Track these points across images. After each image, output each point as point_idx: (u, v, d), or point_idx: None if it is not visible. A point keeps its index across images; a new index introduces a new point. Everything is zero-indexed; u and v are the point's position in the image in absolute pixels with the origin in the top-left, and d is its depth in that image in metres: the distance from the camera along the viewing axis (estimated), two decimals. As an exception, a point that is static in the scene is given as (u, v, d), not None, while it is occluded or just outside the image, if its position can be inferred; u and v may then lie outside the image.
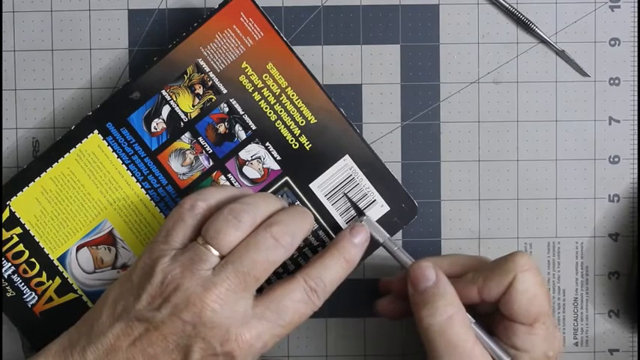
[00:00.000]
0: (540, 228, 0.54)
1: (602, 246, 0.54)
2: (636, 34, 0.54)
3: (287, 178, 0.50)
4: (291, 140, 0.51)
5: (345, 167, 0.50)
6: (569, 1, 0.54)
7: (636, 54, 0.54)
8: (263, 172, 0.51)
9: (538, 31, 0.53)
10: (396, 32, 0.54)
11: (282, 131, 0.50)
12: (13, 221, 0.51)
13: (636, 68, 0.54)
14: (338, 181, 0.51)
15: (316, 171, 0.51)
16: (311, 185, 0.51)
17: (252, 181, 0.51)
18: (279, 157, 0.51)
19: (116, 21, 0.54)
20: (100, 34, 0.54)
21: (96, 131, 0.50)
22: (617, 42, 0.54)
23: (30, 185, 0.50)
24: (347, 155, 0.50)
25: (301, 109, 0.50)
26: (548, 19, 0.54)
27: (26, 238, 0.51)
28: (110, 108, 0.50)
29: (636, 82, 0.54)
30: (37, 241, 0.51)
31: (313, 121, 0.51)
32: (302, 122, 0.51)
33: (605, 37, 0.54)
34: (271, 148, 0.51)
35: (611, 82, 0.54)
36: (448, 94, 0.54)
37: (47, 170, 0.50)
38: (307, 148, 0.51)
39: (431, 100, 0.54)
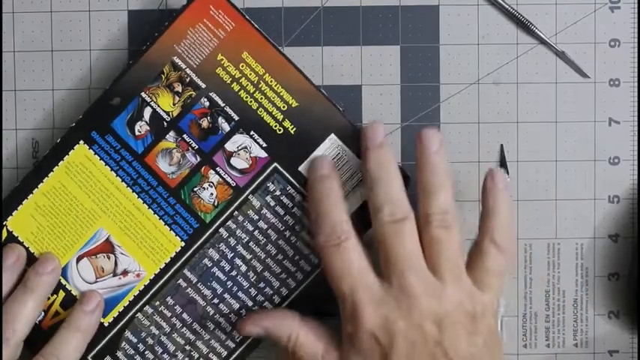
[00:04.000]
0: (540, 229, 0.54)
1: (602, 247, 0.54)
2: (636, 35, 0.54)
3: (275, 164, 0.50)
4: (275, 126, 0.51)
5: (332, 146, 0.51)
6: (569, 2, 0.54)
7: (636, 55, 0.54)
8: (251, 162, 0.51)
9: (538, 32, 0.53)
10: (395, 33, 0.54)
11: (265, 118, 0.50)
12: (12, 241, 0.51)
13: (636, 69, 0.54)
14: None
15: (304, 153, 0.51)
16: (300, 168, 0.51)
17: (241, 171, 0.51)
18: (265, 145, 0.51)
19: (116, 21, 0.54)
20: (99, 35, 0.54)
21: (81, 141, 0.51)
22: (617, 43, 0.54)
23: (23, 203, 0.51)
24: (332, 134, 0.50)
25: (281, 93, 0.50)
26: (548, 20, 0.54)
27: (26, 255, 0.51)
28: (92, 117, 0.51)
29: (636, 83, 0.54)
30: (37, 257, 0.51)
31: (295, 104, 0.51)
32: (284, 107, 0.51)
33: (605, 38, 0.54)
34: (256, 137, 0.51)
35: (611, 83, 0.54)
36: (448, 95, 0.54)
37: (39, 186, 0.51)
38: (292, 131, 0.51)
39: (431, 101, 0.54)
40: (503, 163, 0.54)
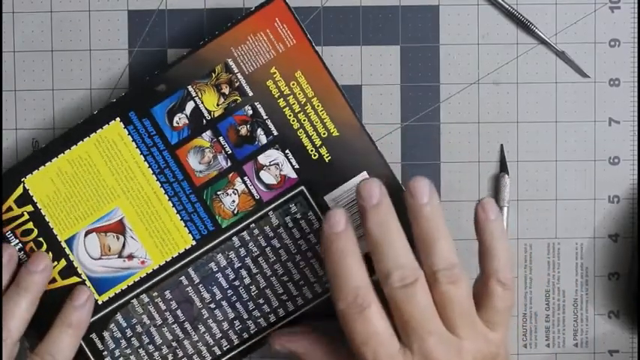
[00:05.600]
0: (540, 229, 0.54)
1: (602, 247, 0.54)
2: (636, 35, 0.54)
3: (302, 187, 0.50)
4: (312, 150, 0.50)
5: None
6: (569, 2, 0.54)
7: (636, 55, 0.54)
8: (279, 179, 0.51)
9: (538, 31, 0.53)
10: (395, 33, 0.54)
11: (303, 140, 0.50)
12: (26, 198, 0.50)
13: (636, 69, 0.54)
14: (353, 196, 0.50)
15: (333, 184, 0.50)
16: (326, 197, 0.50)
17: (268, 186, 0.51)
18: (297, 166, 0.50)
19: (116, 21, 0.54)
20: (99, 35, 0.54)
21: (118, 119, 0.50)
22: (617, 43, 0.54)
23: (46, 165, 0.50)
24: (365, 172, 0.50)
25: (325, 120, 0.50)
26: (548, 20, 0.54)
27: (37, 216, 0.51)
28: (135, 97, 0.50)
29: (636, 83, 0.54)
30: (48, 221, 0.51)
31: (335, 133, 0.50)
32: (324, 134, 0.50)
33: (605, 37, 0.54)
34: (290, 156, 0.50)
35: (611, 83, 0.54)
36: (448, 94, 0.54)
37: (65, 152, 0.50)
38: (326, 159, 0.50)
39: (431, 101, 0.54)
40: (503, 163, 0.54)
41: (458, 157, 0.54)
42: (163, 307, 0.51)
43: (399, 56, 0.54)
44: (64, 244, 0.51)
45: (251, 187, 0.51)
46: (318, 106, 0.50)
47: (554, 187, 0.54)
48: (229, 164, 0.50)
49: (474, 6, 0.54)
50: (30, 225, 0.51)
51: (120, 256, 0.51)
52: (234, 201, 0.51)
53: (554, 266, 0.54)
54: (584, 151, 0.54)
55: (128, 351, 0.51)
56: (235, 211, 0.51)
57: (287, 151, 0.50)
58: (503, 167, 0.54)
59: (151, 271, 0.51)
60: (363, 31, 0.54)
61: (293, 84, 0.50)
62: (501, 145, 0.54)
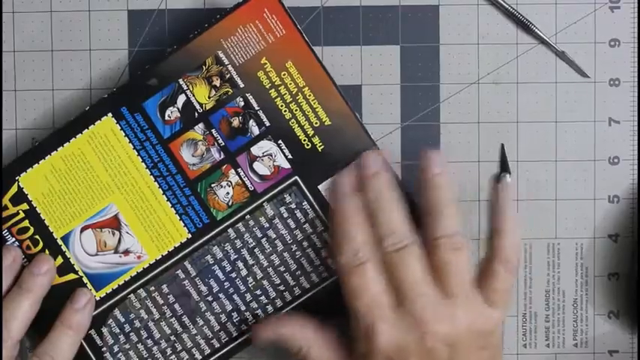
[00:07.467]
0: (540, 229, 0.54)
1: (602, 247, 0.54)
2: (636, 34, 0.54)
3: (296, 177, 0.50)
4: (304, 140, 0.51)
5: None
6: (569, 2, 0.54)
7: (636, 55, 0.54)
8: (273, 170, 0.51)
9: (538, 31, 0.53)
10: (395, 33, 0.54)
11: (295, 130, 0.50)
12: (21, 197, 0.51)
13: (636, 69, 0.54)
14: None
15: (327, 173, 0.51)
16: (320, 187, 0.51)
17: (262, 177, 0.51)
18: (290, 156, 0.51)
19: (116, 21, 0.54)
20: (99, 35, 0.54)
21: (110, 114, 0.50)
22: (617, 43, 0.54)
23: (40, 162, 0.50)
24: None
25: (317, 109, 0.50)
26: (548, 20, 0.54)
27: (32, 214, 0.51)
28: (126, 92, 0.50)
29: (636, 83, 0.54)
30: (43, 218, 0.51)
31: (328, 122, 0.51)
32: (316, 123, 0.50)
33: (605, 37, 0.54)
34: (283, 147, 0.51)
35: (611, 82, 0.54)
36: (448, 94, 0.54)
37: (58, 149, 0.50)
38: (319, 149, 0.51)
39: (431, 101, 0.54)
40: (504, 163, 0.54)
41: (458, 157, 0.54)
42: (161, 302, 0.51)
43: (399, 56, 0.54)
44: (60, 242, 0.51)
45: (245, 179, 0.51)
46: (309, 95, 0.50)
47: (554, 187, 0.54)
48: (222, 156, 0.51)
49: (473, 6, 0.54)
50: (26, 223, 0.51)
51: (116, 252, 0.51)
52: (228, 193, 0.51)
53: (554, 266, 0.54)
54: (584, 151, 0.54)
55: (127, 346, 0.51)
56: (230, 203, 0.51)
57: (280, 141, 0.51)
58: (504, 167, 0.54)
59: (148, 265, 0.51)
60: (363, 31, 0.54)
61: (284, 74, 0.50)
62: (502, 144, 0.54)
